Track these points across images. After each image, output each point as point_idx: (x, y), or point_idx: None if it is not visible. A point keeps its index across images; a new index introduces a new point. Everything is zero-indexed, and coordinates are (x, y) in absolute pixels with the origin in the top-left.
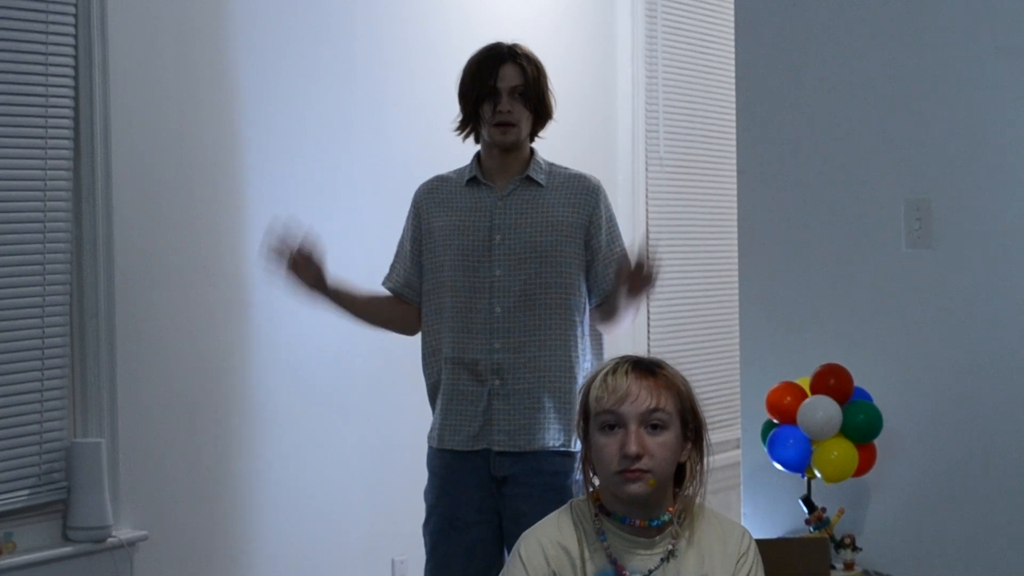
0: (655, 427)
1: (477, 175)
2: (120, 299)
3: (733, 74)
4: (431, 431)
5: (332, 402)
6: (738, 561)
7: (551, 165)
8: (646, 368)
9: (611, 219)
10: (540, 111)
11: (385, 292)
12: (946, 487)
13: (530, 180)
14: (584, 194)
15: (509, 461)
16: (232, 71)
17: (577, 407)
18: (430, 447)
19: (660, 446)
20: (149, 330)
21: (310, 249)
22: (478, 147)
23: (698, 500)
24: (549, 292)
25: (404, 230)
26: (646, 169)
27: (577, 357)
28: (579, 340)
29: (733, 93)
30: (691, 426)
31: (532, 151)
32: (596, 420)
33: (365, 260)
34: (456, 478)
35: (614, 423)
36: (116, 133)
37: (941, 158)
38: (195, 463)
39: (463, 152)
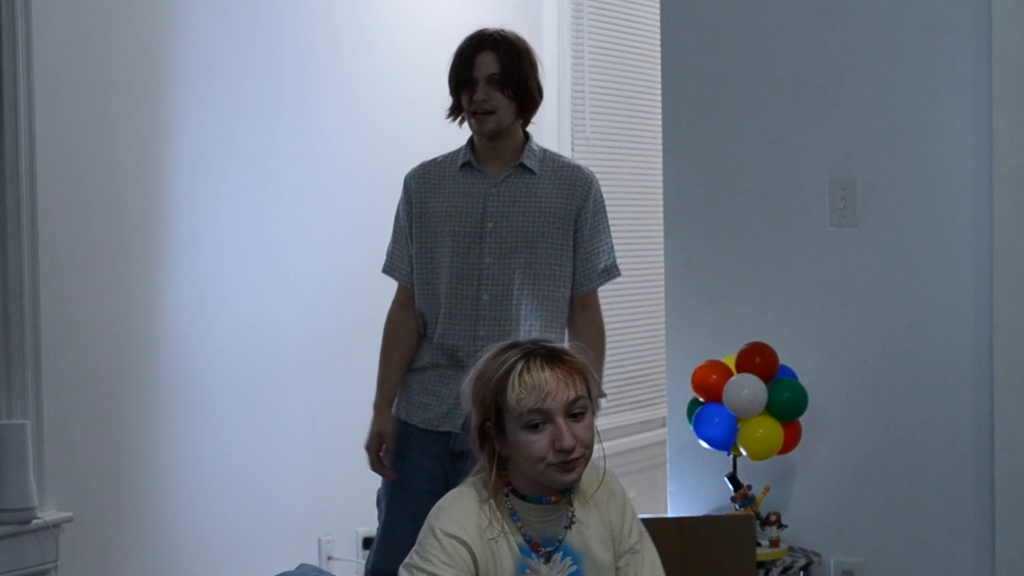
0: (578, 415)
1: (471, 160)
2: (44, 280)
3: (659, 54)
4: (398, 402)
5: (260, 383)
6: (624, 501)
7: (545, 151)
8: (556, 357)
9: (598, 213)
10: (523, 97)
11: (405, 339)
12: (871, 464)
13: (523, 167)
14: (576, 185)
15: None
16: (161, 49)
17: (472, 399)
18: (396, 416)
19: (586, 429)
20: (74, 311)
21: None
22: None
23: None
24: (538, 282)
25: (398, 219)
26: (572, 148)
27: None
28: (563, 331)
29: (659, 72)
30: (593, 394)
31: (527, 136)
32: (519, 420)
33: (300, 245)
34: (414, 444)
35: (540, 420)
36: (40, 112)
37: (866, 138)
38: (121, 444)
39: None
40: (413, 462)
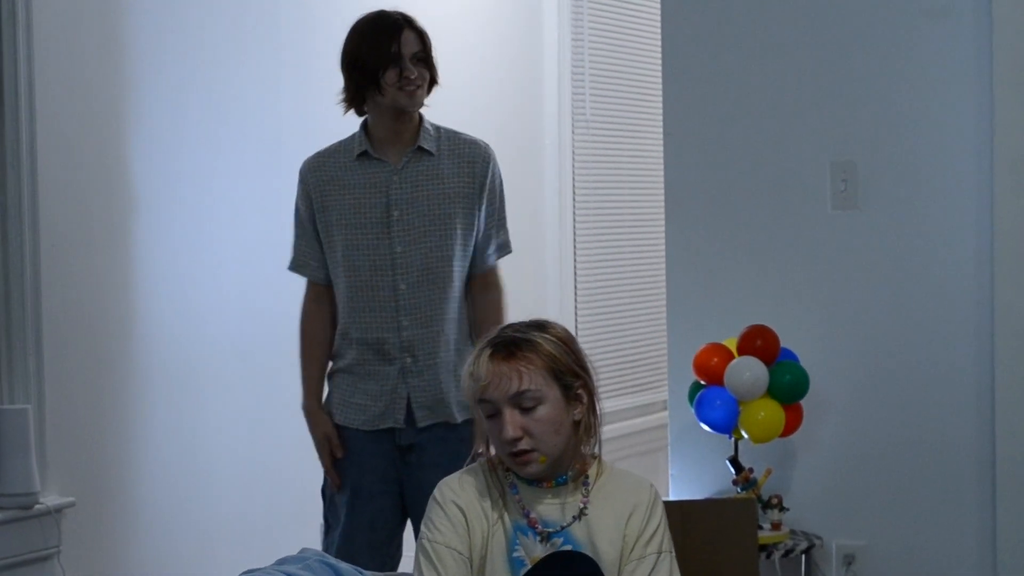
0: (527, 408)
1: (368, 149)
2: (46, 265)
3: (659, 36)
4: (329, 404)
5: (261, 368)
6: (650, 516)
7: (439, 128)
8: (505, 349)
9: (497, 188)
10: (434, 77)
11: (323, 335)
12: (872, 447)
13: (422, 150)
14: (476, 162)
15: (414, 430)
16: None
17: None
18: (333, 422)
19: (538, 423)
20: (75, 296)
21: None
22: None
23: (597, 453)
24: (450, 264)
25: (298, 212)
26: (572, 131)
27: None
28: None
29: (659, 55)
30: (579, 382)
31: (420, 117)
32: (479, 407)
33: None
34: (360, 448)
35: (492, 410)
36: (40, 95)
37: (867, 120)
38: (122, 428)
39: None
40: (361, 466)
